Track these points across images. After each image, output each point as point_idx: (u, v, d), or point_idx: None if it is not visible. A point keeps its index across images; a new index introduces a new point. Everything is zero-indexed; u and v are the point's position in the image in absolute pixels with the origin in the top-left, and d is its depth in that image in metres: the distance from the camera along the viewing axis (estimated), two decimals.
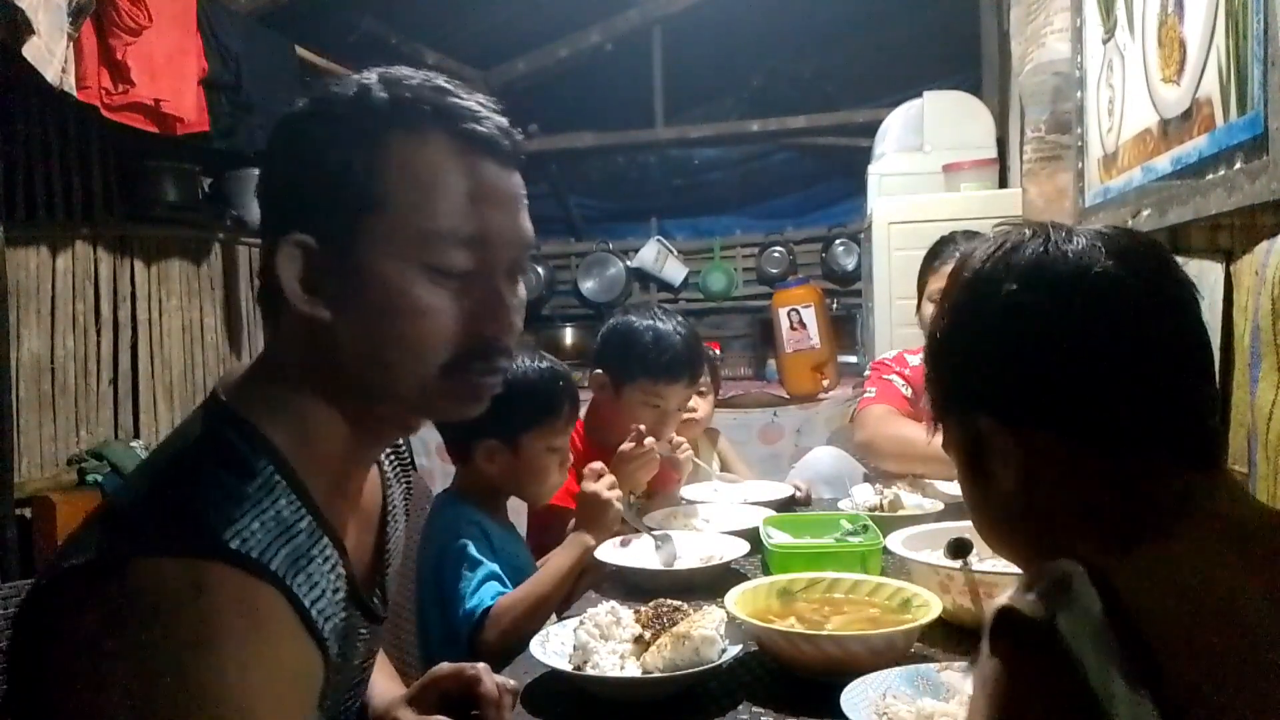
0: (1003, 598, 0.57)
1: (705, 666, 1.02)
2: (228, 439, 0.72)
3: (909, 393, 2.21)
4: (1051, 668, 0.52)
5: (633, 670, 1.05)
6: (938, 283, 2.09)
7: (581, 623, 1.11)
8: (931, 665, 1.01)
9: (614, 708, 1.04)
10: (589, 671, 1.04)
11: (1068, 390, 0.66)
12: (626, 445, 1.73)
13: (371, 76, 0.74)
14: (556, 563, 1.46)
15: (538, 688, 1.08)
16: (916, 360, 2.25)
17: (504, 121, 0.78)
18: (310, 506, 0.73)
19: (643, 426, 1.76)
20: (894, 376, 2.25)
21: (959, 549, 1.20)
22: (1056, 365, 0.66)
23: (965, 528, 1.47)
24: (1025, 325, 0.67)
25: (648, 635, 1.08)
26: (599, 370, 1.96)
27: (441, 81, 0.76)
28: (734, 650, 1.06)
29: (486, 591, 1.39)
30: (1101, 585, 0.55)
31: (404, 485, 0.98)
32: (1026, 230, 0.71)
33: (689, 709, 1.02)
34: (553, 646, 1.11)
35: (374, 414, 0.78)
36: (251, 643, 0.63)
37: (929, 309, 2.12)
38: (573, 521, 1.56)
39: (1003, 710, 0.54)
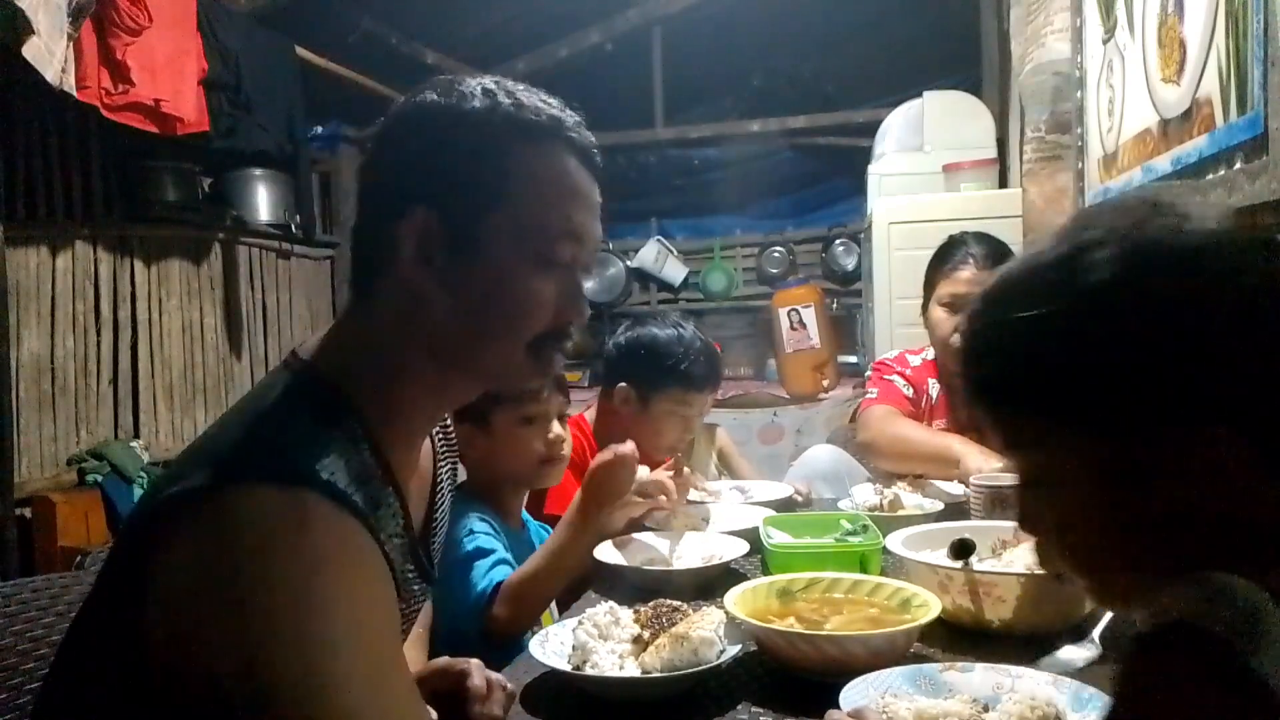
0: (1158, 610, 0.49)
1: (703, 667, 1.02)
2: (312, 391, 0.78)
3: (910, 393, 2.20)
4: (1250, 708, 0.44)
5: (631, 670, 1.04)
6: (950, 286, 2.08)
7: (580, 623, 1.11)
8: (934, 665, 1.00)
9: (613, 708, 1.04)
10: (588, 671, 1.04)
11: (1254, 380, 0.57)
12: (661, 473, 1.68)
13: (491, 85, 0.84)
14: (557, 533, 1.45)
15: (536, 688, 1.08)
16: (918, 360, 2.25)
17: (591, 136, 0.89)
18: (382, 461, 0.78)
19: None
20: (895, 377, 2.25)
21: (962, 549, 1.20)
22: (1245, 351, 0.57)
23: (965, 527, 1.47)
24: (1191, 307, 0.58)
25: (646, 635, 1.08)
26: (623, 384, 1.96)
27: (548, 98, 0.87)
28: (733, 651, 1.06)
29: (498, 572, 1.38)
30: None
31: (450, 463, 1.03)
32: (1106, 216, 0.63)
33: (688, 709, 1.02)
34: (551, 646, 1.10)
35: (455, 382, 0.85)
36: (351, 568, 0.68)
37: (939, 313, 2.10)
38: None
39: None
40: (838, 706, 0.91)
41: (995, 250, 2.06)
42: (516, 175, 0.80)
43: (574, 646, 1.08)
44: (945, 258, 2.12)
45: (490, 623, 1.34)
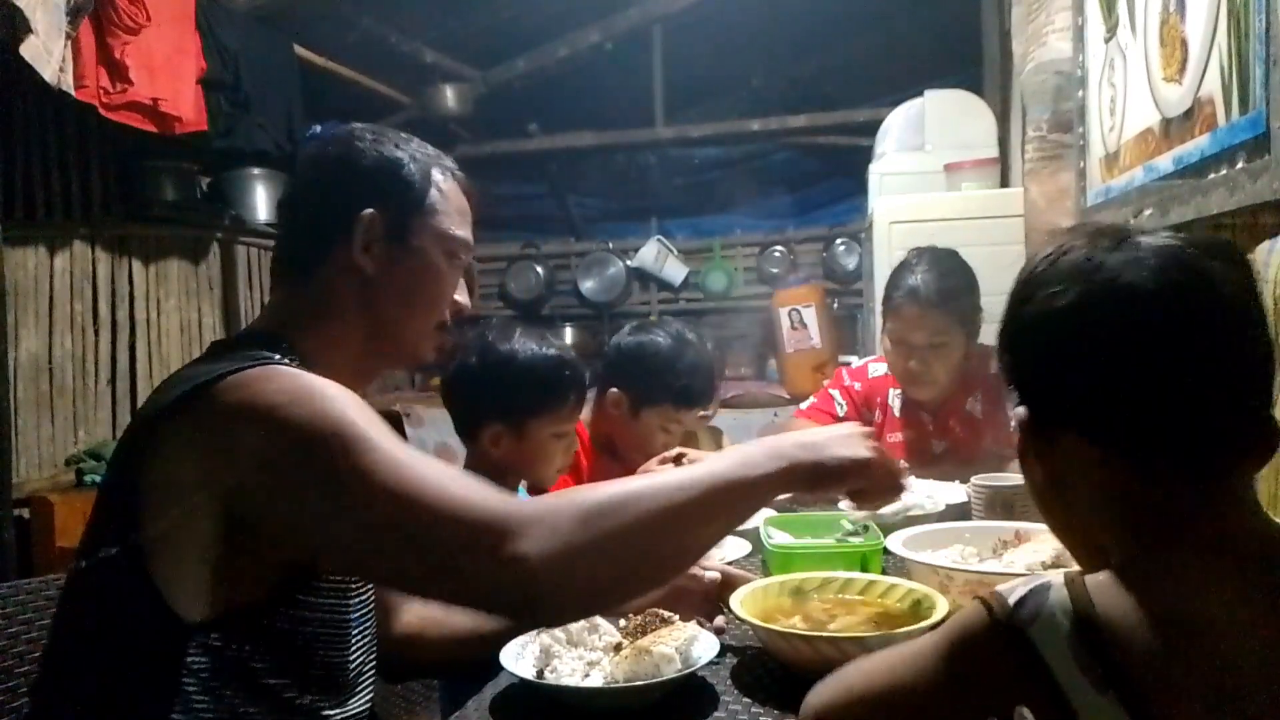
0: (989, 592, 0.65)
1: (658, 680, 0.99)
2: (257, 336, 1.02)
3: (844, 411, 2.18)
4: (1015, 665, 0.61)
5: (596, 680, 1.03)
6: (893, 322, 2.04)
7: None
8: None
9: (578, 715, 1.02)
10: (547, 678, 1.03)
11: (1090, 396, 0.68)
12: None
13: (389, 135, 1.10)
14: None
15: (506, 696, 1.06)
16: (882, 370, 2.21)
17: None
18: None
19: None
20: (836, 391, 2.23)
21: None
22: (1084, 372, 0.68)
23: (965, 528, 1.47)
24: (1058, 331, 0.69)
25: (627, 644, 1.06)
26: (614, 389, 1.96)
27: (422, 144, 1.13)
28: (697, 665, 1.02)
29: None
30: (1078, 596, 0.62)
31: None
32: (1079, 238, 0.72)
33: (689, 709, 1.02)
34: (519, 652, 1.08)
35: (376, 351, 1.08)
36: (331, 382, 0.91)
37: (888, 344, 2.08)
38: None
39: (955, 675, 0.65)
40: None
41: (944, 275, 1.99)
42: (432, 192, 1.07)
43: (539, 651, 1.07)
44: (893, 288, 2.06)
45: None
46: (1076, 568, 0.71)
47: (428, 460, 0.85)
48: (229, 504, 0.86)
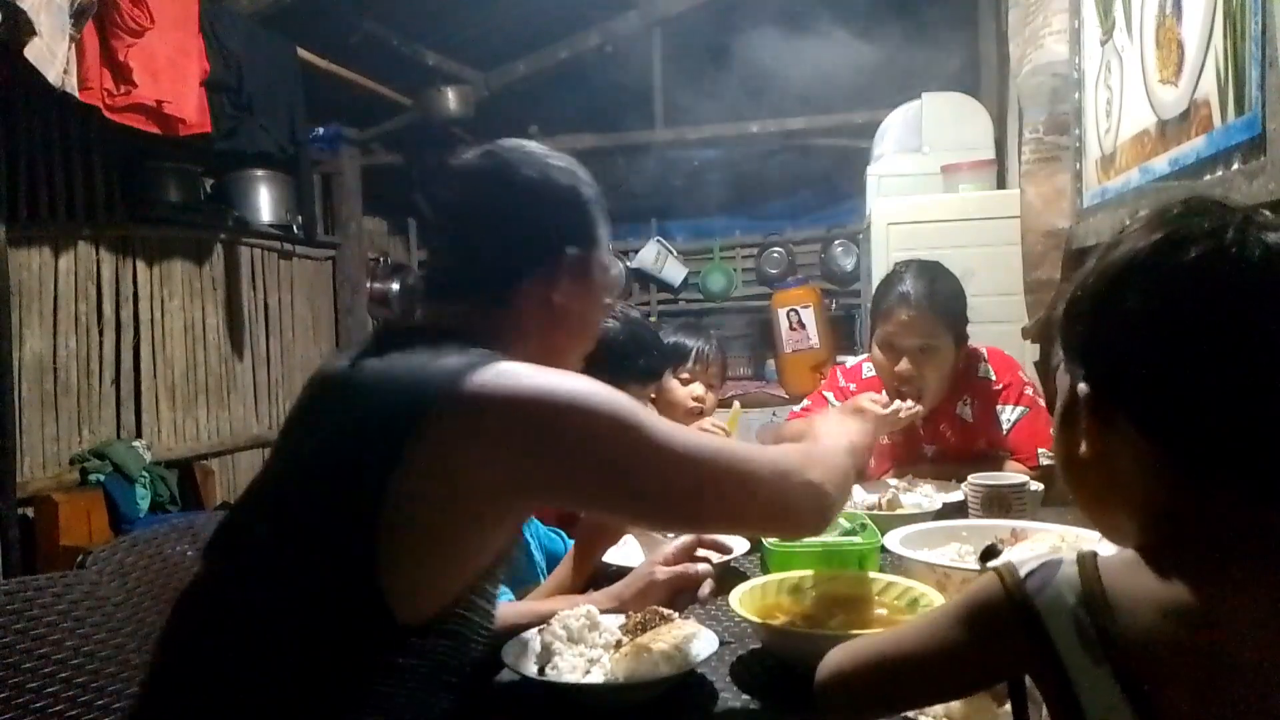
0: (1000, 561, 0.68)
1: (656, 677, 1.00)
2: (460, 341, 0.98)
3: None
4: (1020, 632, 0.64)
5: (597, 677, 1.03)
6: (885, 328, 2.01)
7: (550, 624, 1.10)
8: None
9: (578, 712, 1.03)
10: (548, 675, 1.03)
11: (1165, 394, 0.64)
12: None
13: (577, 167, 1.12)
14: (557, 582, 1.43)
15: (508, 692, 1.07)
16: (873, 373, 2.21)
17: None
18: None
19: None
20: (830, 393, 2.23)
21: (988, 554, 1.18)
22: (1153, 360, 0.64)
23: (962, 526, 1.48)
24: (1144, 316, 0.65)
25: (626, 641, 1.06)
26: None
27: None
28: (696, 663, 1.03)
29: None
30: (1087, 574, 0.63)
31: None
32: (1195, 227, 0.66)
33: (687, 708, 1.03)
34: (522, 649, 1.08)
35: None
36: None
37: (878, 352, 2.04)
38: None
39: (968, 640, 0.67)
40: None
41: (932, 281, 1.99)
42: (598, 225, 1.11)
43: (540, 647, 1.07)
44: (883, 295, 2.05)
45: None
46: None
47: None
48: (519, 492, 0.89)
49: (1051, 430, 0.78)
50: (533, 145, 1.10)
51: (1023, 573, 0.65)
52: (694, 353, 2.25)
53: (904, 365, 1.99)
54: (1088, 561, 0.64)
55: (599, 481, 0.91)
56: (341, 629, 0.85)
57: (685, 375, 2.25)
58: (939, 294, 1.98)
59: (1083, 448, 0.70)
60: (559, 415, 0.88)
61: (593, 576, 1.50)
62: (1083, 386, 0.69)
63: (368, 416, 0.89)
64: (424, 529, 0.85)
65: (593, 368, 1.91)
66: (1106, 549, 0.69)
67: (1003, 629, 0.65)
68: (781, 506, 1.01)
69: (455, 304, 1.04)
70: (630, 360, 1.86)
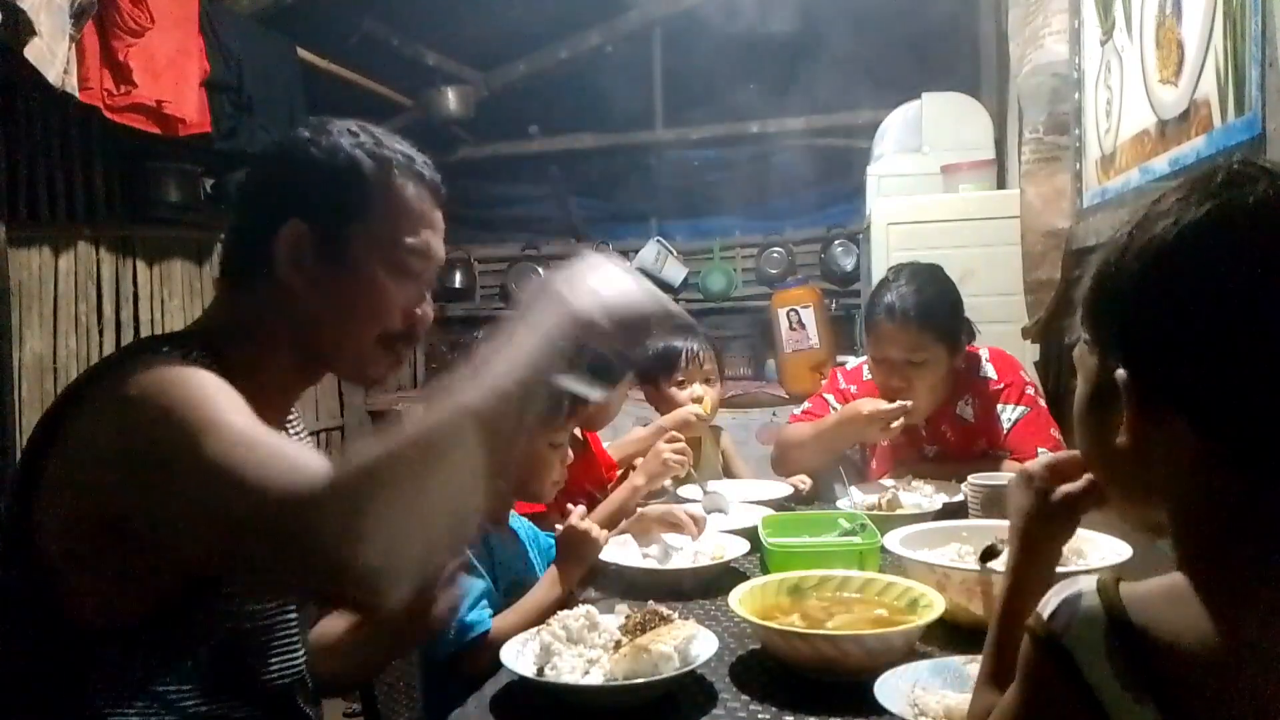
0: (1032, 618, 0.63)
1: (656, 679, 1.00)
2: (179, 339, 0.94)
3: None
4: (1055, 674, 0.58)
5: (596, 677, 1.03)
6: (873, 344, 2.02)
7: (549, 624, 1.10)
8: (958, 659, 1.01)
9: (577, 713, 1.03)
10: (547, 676, 1.03)
11: (1218, 391, 0.59)
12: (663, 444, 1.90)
13: (355, 128, 0.99)
14: (539, 600, 1.41)
15: (506, 694, 1.07)
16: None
17: (438, 176, 1.04)
18: None
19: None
20: (831, 395, 2.23)
21: (989, 555, 1.18)
22: (1210, 349, 0.59)
23: (962, 526, 1.48)
24: (1199, 299, 0.59)
25: (626, 641, 1.06)
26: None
27: (402, 141, 1.03)
28: (696, 664, 1.04)
29: (482, 613, 1.34)
30: (1110, 603, 0.58)
31: None
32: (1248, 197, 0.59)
33: (687, 708, 1.03)
34: (520, 649, 1.09)
35: (310, 368, 1.03)
36: (206, 376, 0.85)
37: (872, 364, 2.06)
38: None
39: (1023, 700, 0.62)
40: (836, 704, 0.92)
41: (921, 291, 1.98)
42: (373, 197, 0.97)
43: (540, 649, 1.07)
44: (872, 307, 2.05)
45: (471, 665, 1.29)
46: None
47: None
48: (102, 505, 0.81)
49: (1076, 413, 0.71)
50: (346, 124, 0.99)
51: (1046, 614, 0.60)
52: (683, 355, 2.27)
53: (894, 379, 1.99)
54: (1109, 588, 0.59)
55: (135, 497, 0.81)
56: (32, 638, 0.86)
57: (680, 379, 2.27)
58: (926, 305, 1.96)
59: (1121, 438, 0.64)
60: (113, 419, 0.84)
61: (583, 581, 1.50)
62: (1122, 373, 0.63)
63: (35, 427, 0.95)
64: (66, 536, 0.84)
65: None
66: (1109, 554, 0.68)
67: (1045, 678, 0.59)
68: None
69: (215, 297, 1.05)
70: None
